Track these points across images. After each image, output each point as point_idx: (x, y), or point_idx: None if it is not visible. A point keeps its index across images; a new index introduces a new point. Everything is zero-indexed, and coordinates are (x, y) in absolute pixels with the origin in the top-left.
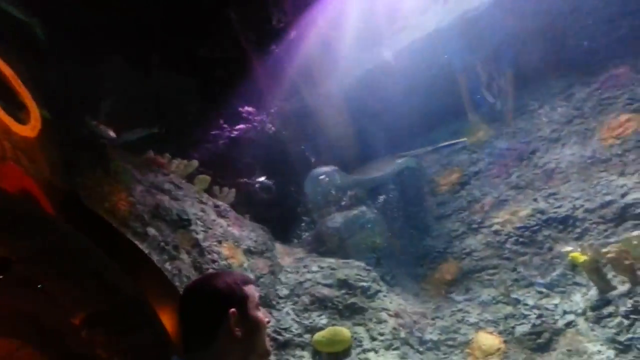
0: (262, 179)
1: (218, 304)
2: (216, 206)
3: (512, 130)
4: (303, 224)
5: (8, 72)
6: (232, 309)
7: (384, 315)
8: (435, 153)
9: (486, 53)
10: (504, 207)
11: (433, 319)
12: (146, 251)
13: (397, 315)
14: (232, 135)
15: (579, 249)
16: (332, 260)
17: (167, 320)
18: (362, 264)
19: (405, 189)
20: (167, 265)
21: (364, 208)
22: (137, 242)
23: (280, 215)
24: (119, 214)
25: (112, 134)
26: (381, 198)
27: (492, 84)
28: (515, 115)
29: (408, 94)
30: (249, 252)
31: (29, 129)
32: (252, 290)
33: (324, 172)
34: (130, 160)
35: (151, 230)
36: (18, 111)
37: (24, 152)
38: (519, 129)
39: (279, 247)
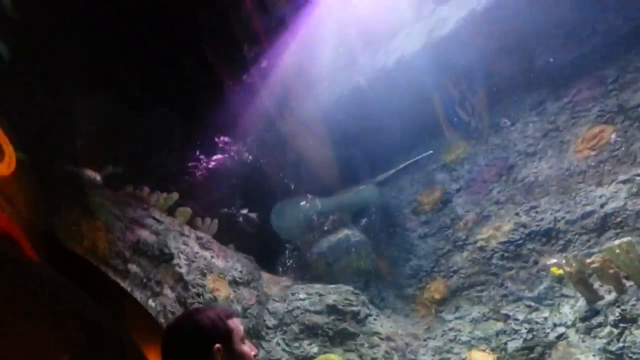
0: (245, 211)
1: (202, 341)
2: (199, 238)
3: (489, 147)
4: (287, 252)
5: None
6: (217, 345)
7: (375, 339)
8: (413, 172)
9: (458, 73)
10: (487, 223)
11: (425, 339)
12: (128, 289)
13: (388, 338)
14: (210, 166)
15: (563, 261)
16: (319, 286)
17: (154, 359)
18: (350, 288)
19: (387, 210)
20: (151, 302)
21: (347, 231)
22: (118, 280)
23: (264, 243)
24: (98, 252)
25: (93, 174)
26: (363, 221)
27: (465, 103)
28: (491, 132)
29: (385, 116)
30: (234, 283)
31: (4, 167)
32: (236, 324)
33: (288, 204)
34: (108, 196)
35: (132, 267)
36: None
37: (0, 192)
38: (495, 145)
39: (265, 276)
